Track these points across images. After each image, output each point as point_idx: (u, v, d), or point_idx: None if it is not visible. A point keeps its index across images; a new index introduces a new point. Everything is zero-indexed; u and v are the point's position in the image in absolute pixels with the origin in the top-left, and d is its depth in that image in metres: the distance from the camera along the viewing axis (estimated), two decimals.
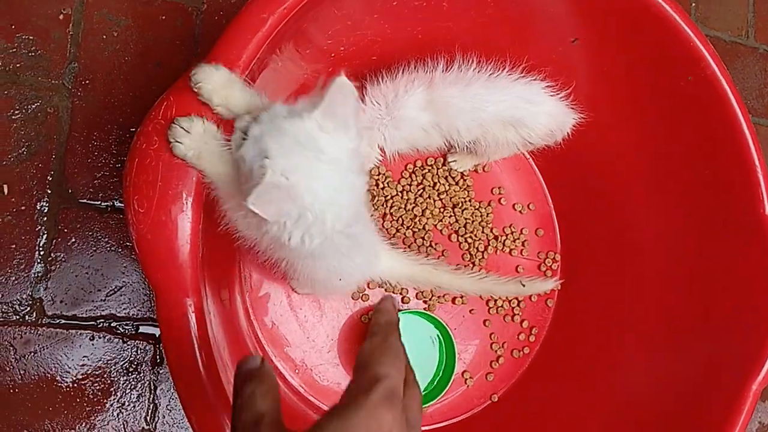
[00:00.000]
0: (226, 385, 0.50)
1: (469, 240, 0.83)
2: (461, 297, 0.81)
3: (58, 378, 0.67)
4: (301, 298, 0.76)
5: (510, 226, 0.85)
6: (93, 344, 0.69)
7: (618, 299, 0.79)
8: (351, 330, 0.77)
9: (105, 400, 0.69)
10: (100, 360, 0.69)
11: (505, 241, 0.84)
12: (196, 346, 0.49)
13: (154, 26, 0.75)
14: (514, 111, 0.69)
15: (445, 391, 0.78)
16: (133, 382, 0.70)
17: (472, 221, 0.83)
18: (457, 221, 0.83)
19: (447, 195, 0.83)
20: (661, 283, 0.75)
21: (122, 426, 0.69)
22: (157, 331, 0.71)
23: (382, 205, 0.81)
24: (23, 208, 0.68)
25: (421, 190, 0.82)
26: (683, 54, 0.65)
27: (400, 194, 0.81)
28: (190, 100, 0.50)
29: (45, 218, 0.69)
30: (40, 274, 0.68)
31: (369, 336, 0.40)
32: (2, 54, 0.69)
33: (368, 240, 0.62)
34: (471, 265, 0.83)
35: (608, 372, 0.76)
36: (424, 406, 0.77)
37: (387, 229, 0.80)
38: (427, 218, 0.81)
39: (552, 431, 0.75)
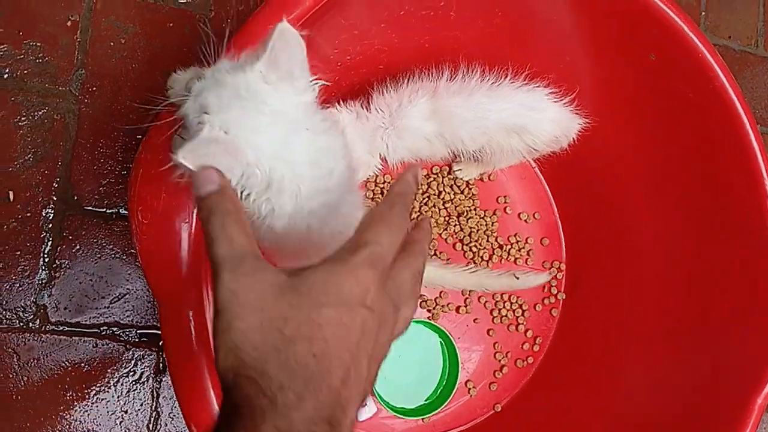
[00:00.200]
0: None
1: (474, 249, 0.82)
2: (465, 306, 0.81)
3: (60, 385, 0.68)
4: None
5: (515, 235, 0.85)
6: (96, 351, 0.69)
7: (620, 306, 0.79)
8: None
9: (108, 408, 0.69)
10: (103, 367, 0.69)
11: (510, 250, 0.84)
12: (198, 355, 0.49)
13: (162, 33, 0.75)
14: (516, 119, 0.69)
15: (448, 400, 0.78)
16: (135, 390, 0.70)
17: (477, 230, 0.83)
18: (462, 230, 0.82)
19: (452, 204, 0.83)
20: (660, 286, 0.75)
21: None
22: (160, 339, 0.71)
23: None
24: (28, 214, 0.68)
25: (426, 199, 0.82)
26: (691, 65, 0.65)
27: None
28: None
29: (50, 225, 0.69)
30: (44, 281, 0.68)
31: (380, 202, 0.41)
32: (9, 60, 0.70)
33: (352, 214, 0.55)
34: None
35: (612, 381, 0.76)
36: (426, 416, 0.77)
37: None
38: (432, 227, 0.81)
39: None
